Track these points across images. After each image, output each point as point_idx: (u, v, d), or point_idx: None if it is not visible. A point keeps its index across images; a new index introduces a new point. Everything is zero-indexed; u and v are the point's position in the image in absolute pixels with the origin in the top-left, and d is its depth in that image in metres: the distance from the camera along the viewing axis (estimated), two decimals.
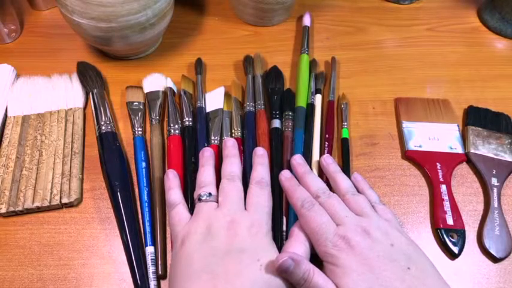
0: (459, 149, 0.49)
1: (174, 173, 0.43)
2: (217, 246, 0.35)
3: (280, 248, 0.41)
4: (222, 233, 0.36)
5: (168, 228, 0.42)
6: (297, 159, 0.43)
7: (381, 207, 0.40)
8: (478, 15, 0.65)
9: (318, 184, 0.41)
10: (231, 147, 0.43)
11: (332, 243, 0.36)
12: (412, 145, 0.49)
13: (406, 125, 0.51)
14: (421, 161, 0.48)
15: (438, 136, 0.50)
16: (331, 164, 0.44)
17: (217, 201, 0.39)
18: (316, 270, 0.35)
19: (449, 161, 0.48)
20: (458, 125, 0.51)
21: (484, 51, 0.61)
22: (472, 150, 0.49)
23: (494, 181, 0.46)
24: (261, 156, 0.43)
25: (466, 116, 0.52)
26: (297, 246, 0.37)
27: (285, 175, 0.42)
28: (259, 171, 0.41)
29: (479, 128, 0.51)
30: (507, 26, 0.62)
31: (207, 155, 0.43)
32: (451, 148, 0.49)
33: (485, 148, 0.49)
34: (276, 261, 0.34)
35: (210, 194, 0.39)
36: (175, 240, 0.38)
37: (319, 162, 0.45)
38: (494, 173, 0.47)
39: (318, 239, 0.37)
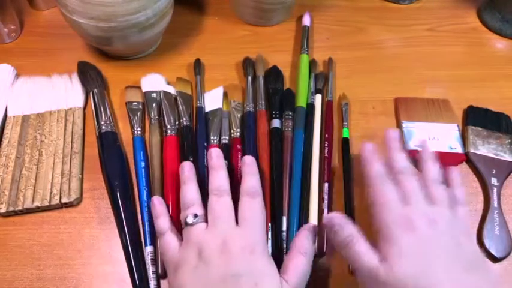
0: (459, 149, 0.49)
1: (159, 199, 0.41)
2: (212, 272, 0.33)
3: (279, 247, 0.41)
4: (215, 258, 0.34)
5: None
6: (391, 133, 0.42)
7: (461, 208, 0.37)
8: (478, 15, 0.65)
9: (406, 163, 0.39)
10: (216, 158, 0.41)
11: (393, 220, 0.35)
12: (412, 145, 0.49)
13: (406, 125, 0.51)
14: None
15: (438, 136, 0.50)
16: (428, 151, 0.41)
17: (205, 221, 0.37)
18: (362, 239, 0.35)
19: (449, 161, 0.48)
20: (458, 125, 0.51)
21: (484, 51, 0.61)
22: (472, 150, 0.49)
23: (494, 181, 0.46)
24: (249, 165, 0.41)
25: (466, 116, 0.52)
26: (298, 259, 0.36)
27: (368, 148, 0.40)
28: (249, 181, 0.39)
29: (479, 128, 0.51)
30: (507, 26, 0.62)
31: (187, 170, 0.41)
32: (451, 148, 0.49)
33: (485, 148, 0.49)
34: (325, 218, 0.36)
35: (195, 215, 0.37)
36: (168, 268, 0.37)
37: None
38: (494, 173, 0.47)
39: (379, 212, 0.36)
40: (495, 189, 0.46)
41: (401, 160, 0.40)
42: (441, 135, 0.50)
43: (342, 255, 0.36)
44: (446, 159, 0.48)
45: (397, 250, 0.33)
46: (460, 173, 0.41)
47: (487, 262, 0.35)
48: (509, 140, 0.50)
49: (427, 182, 0.38)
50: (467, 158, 0.49)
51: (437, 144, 0.49)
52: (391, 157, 0.40)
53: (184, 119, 0.49)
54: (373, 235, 0.36)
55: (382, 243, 0.34)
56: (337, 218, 0.36)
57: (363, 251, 0.34)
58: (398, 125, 0.52)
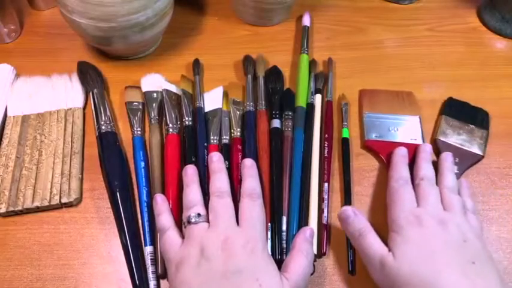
0: (419, 140, 0.49)
1: (162, 197, 0.42)
2: (214, 269, 0.34)
3: (279, 247, 0.41)
4: (217, 255, 0.35)
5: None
6: (425, 146, 0.46)
7: (472, 216, 0.40)
8: (478, 15, 0.65)
9: (429, 172, 0.43)
10: (216, 162, 0.43)
11: (404, 216, 0.38)
12: (373, 135, 0.49)
13: (368, 116, 0.51)
14: (379, 150, 0.48)
15: (399, 127, 0.50)
16: (449, 162, 0.45)
17: (207, 221, 0.38)
18: (373, 232, 0.38)
19: (409, 151, 0.47)
20: (420, 117, 0.51)
21: (484, 51, 0.61)
22: (441, 138, 0.49)
23: (454, 169, 0.46)
24: (249, 168, 0.42)
25: (444, 106, 0.53)
26: (299, 258, 0.37)
27: (401, 152, 0.45)
28: (249, 183, 0.41)
29: (453, 119, 0.51)
30: (507, 26, 0.62)
31: (190, 173, 0.42)
32: (411, 139, 0.49)
33: (454, 138, 0.50)
34: (340, 210, 0.40)
35: (199, 214, 0.38)
36: (169, 266, 0.37)
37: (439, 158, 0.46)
38: (456, 161, 0.47)
39: (393, 208, 0.39)
40: None
41: (426, 169, 0.43)
42: (402, 127, 0.50)
43: (354, 245, 0.40)
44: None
45: (402, 239, 0.36)
46: (470, 185, 0.46)
47: (493, 258, 0.37)
48: (481, 134, 0.50)
49: (443, 190, 0.41)
50: (434, 146, 0.49)
51: (397, 135, 0.49)
52: (418, 165, 0.44)
53: (187, 118, 0.49)
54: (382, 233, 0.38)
55: (391, 235, 0.38)
56: (352, 211, 0.39)
57: (373, 241, 0.37)
58: (361, 116, 0.52)
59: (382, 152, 0.48)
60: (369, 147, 0.49)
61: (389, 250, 0.36)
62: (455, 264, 0.34)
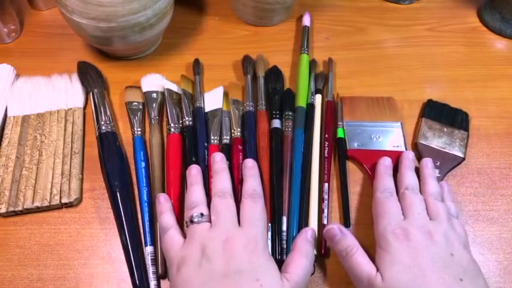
0: (402, 147, 0.49)
1: (165, 196, 0.42)
2: (215, 269, 0.34)
3: (279, 247, 0.41)
4: (218, 255, 0.35)
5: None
6: (408, 153, 0.46)
7: (456, 221, 0.40)
8: (478, 15, 0.65)
9: (413, 181, 0.43)
10: (219, 162, 0.43)
11: (391, 230, 0.37)
12: (355, 144, 0.49)
13: (349, 124, 0.50)
14: (363, 159, 0.48)
15: (381, 134, 0.50)
16: (430, 168, 0.45)
17: (209, 221, 0.38)
18: (361, 250, 0.37)
19: (392, 159, 0.46)
20: (401, 123, 0.51)
21: (484, 51, 0.61)
22: (422, 141, 0.49)
23: (436, 172, 0.46)
24: (251, 168, 0.42)
25: (424, 109, 0.53)
26: (299, 259, 0.37)
27: (385, 163, 0.45)
28: (250, 183, 0.41)
29: (433, 121, 0.51)
30: (507, 26, 0.62)
31: (194, 173, 0.42)
32: (394, 146, 0.49)
33: (435, 141, 0.49)
34: (326, 228, 0.39)
35: (201, 214, 0.38)
36: (171, 265, 0.37)
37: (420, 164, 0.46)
38: (438, 164, 0.47)
39: (380, 222, 0.38)
40: None
41: (410, 177, 0.43)
42: (384, 134, 0.50)
43: (342, 264, 0.38)
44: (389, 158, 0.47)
45: (390, 258, 0.36)
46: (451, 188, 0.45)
47: (480, 271, 0.37)
48: (461, 136, 0.50)
49: (427, 198, 0.41)
50: (415, 149, 0.49)
51: (379, 143, 0.49)
52: (401, 173, 0.44)
53: (187, 118, 0.49)
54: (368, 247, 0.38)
55: (379, 252, 0.37)
56: (338, 229, 0.39)
57: (361, 260, 0.37)
58: (342, 124, 0.51)
59: (366, 161, 0.47)
60: (352, 156, 0.48)
61: (377, 269, 0.36)
62: (443, 283, 0.34)
